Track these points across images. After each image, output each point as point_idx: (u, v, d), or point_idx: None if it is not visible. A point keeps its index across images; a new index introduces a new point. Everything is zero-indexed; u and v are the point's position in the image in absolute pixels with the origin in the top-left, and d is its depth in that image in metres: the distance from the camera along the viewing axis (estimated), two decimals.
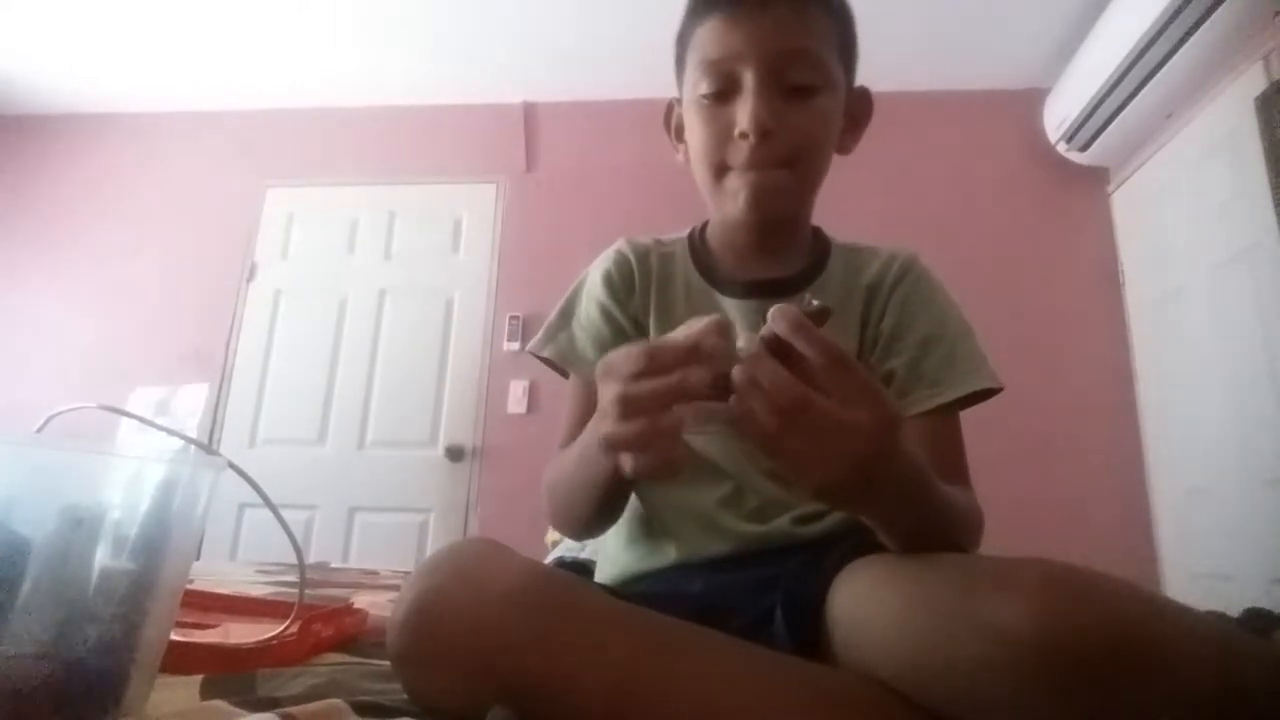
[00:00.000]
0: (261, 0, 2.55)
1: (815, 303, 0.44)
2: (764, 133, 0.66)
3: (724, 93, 0.68)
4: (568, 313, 0.80)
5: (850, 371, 0.43)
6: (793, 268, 0.77)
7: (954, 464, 0.68)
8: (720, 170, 0.70)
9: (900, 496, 0.50)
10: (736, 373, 0.43)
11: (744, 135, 0.66)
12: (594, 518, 0.68)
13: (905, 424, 0.47)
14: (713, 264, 0.79)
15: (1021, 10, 2.41)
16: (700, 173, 0.73)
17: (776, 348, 0.43)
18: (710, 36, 0.69)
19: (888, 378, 0.72)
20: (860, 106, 0.77)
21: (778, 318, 0.42)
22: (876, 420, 0.43)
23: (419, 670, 0.50)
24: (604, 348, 0.75)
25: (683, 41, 0.74)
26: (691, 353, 0.43)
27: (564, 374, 0.78)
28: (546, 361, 0.79)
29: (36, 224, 3.08)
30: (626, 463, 0.44)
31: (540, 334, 0.80)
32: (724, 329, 0.45)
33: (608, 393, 0.45)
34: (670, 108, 0.81)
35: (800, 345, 0.42)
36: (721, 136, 0.69)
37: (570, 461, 0.65)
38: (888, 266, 0.78)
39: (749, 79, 0.67)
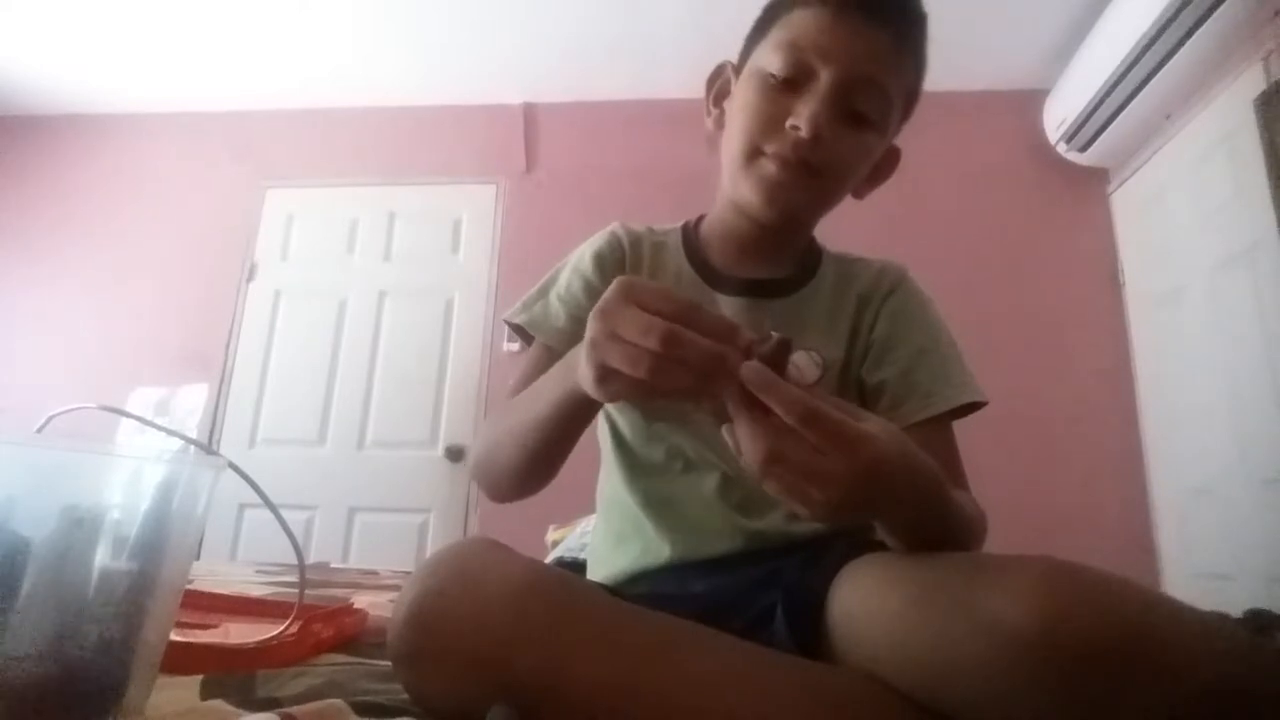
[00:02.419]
0: (261, 0, 2.55)
1: (775, 334, 0.44)
2: (815, 135, 0.65)
3: (792, 81, 0.67)
4: (547, 287, 0.80)
5: (821, 423, 0.42)
6: (785, 271, 0.78)
7: (951, 471, 0.68)
8: (754, 151, 0.69)
9: (900, 509, 0.50)
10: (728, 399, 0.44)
11: (795, 128, 0.66)
12: (534, 460, 0.65)
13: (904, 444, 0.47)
14: (707, 258, 0.79)
15: (1021, 10, 2.42)
16: (732, 146, 0.72)
17: (750, 399, 0.43)
18: (809, 23, 0.67)
19: (879, 388, 0.72)
20: (887, 161, 0.77)
21: (747, 374, 0.42)
22: (851, 468, 0.43)
23: (420, 670, 0.50)
24: (578, 320, 0.75)
25: (774, 12, 0.72)
26: (729, 338, 0.43)
27: (528, 342, 0.78)
28: (517, 330, 0.78)
29: (36, 224, 3.08)
30: (599, 381, 0.46)
31: (518, 304, 0.80)
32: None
33: (637, 315, 0.44)
34: (721, 69, 0.79)
35: (770, 403, 0.42)
36: (771, 120, 0.68)
37: (523, 400, 0.64)
38: (879, 278, 0.78)
39: (825, 81, 0.66)
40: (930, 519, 0.53)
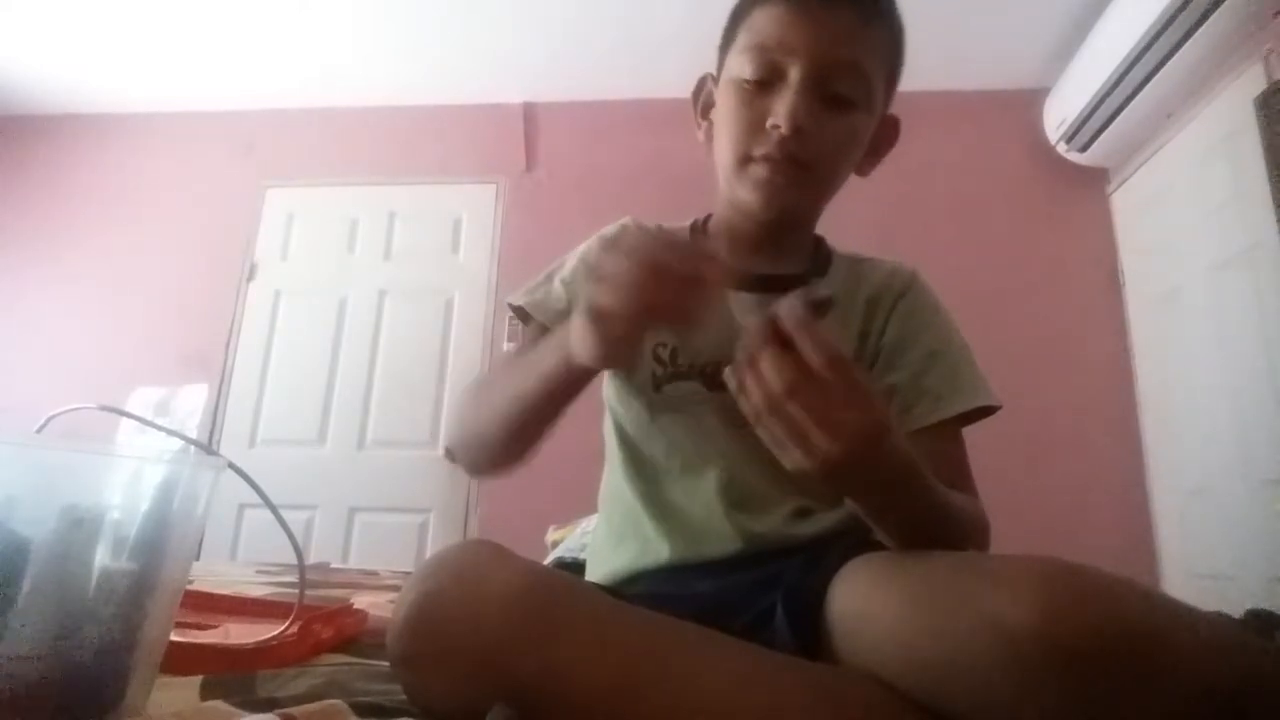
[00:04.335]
0: (261, 0, 2.55)
1: (823, 292, 0.46)
2: (796, 130, 0.65)
3: (765, 82, 0.68)
4: (552, 273, 0.81)
5: (845, 373, 0.44)
6: (795, 268, 0.78)
7: (959, 477, 0.68)
8: (744, 159, 0.70)
9: (887, 491, 0.52)
10: (740, 351, 0.46)
11: (776, 127, 0.66)
12: (516, 435, 0.67)
13: (899, 428, 0.49)
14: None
15: (1021, 10, 2.41)
16: (723, 155, 0.73)
17: (778, 336, 0.45)
18: (769, 22, 0.68)
19: (889, 392, 0.72)
20: (886, 133, 0.77)
21: (786, 312, 0.44)
22: (862, 424, 0.44)
23: (419, 673, 0.50)
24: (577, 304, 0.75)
25: (737, 18, 0.73)
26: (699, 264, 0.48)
27: (525, 323, 0.79)
28: (518, 312, 0.79)
29: (36, 224, 3.08)
30: (592, 340, 0.50)
31: (521, 289, 0.80)
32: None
33: (621, 260, 0.49)
34: (703, 82, 0.80)
35: (801, 342, 0.43)
36: (753, 125, 0.68)
37: (509, 372, 0.65)
38: (890, 280, 0.78)
39: (795, 75, 0.66)
40: (916, 505, 0.54)
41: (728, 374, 0.47)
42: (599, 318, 0.50)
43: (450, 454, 0.73)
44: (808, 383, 0.43)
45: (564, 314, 0.74)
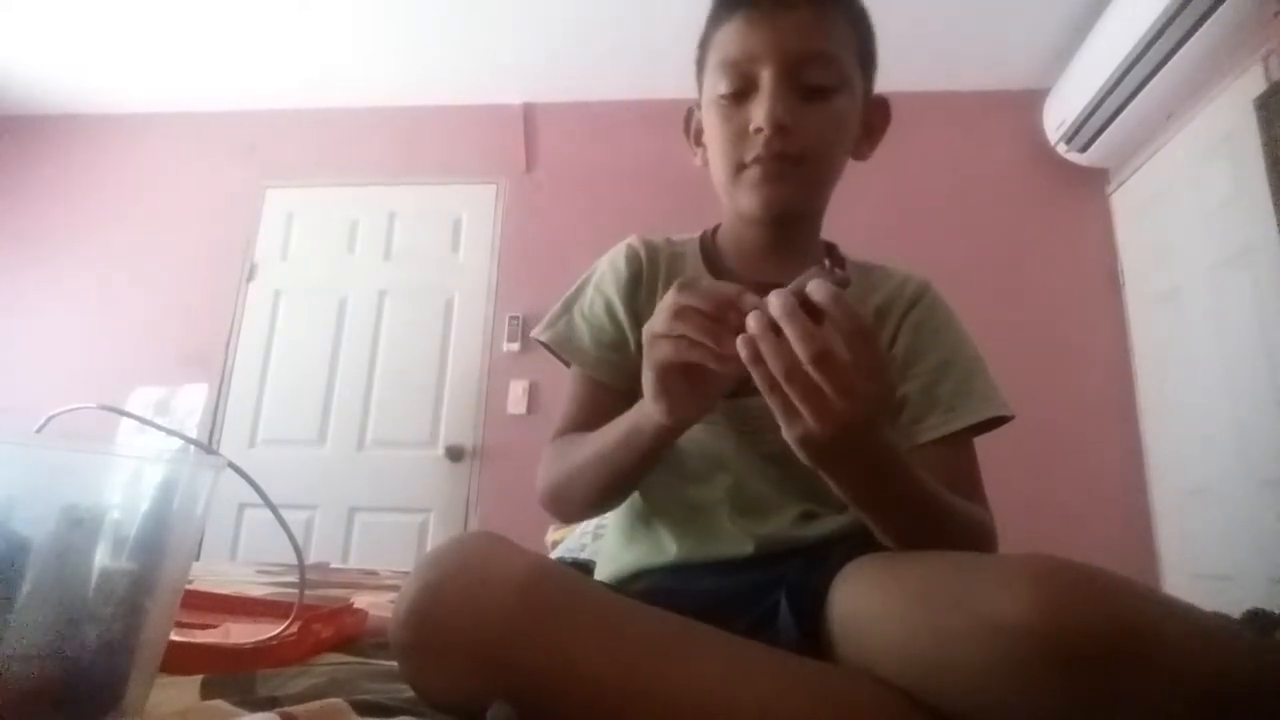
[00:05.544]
0: (261, 0, 2.55)
1: (838, 271, 0.48)
2: (779, 127, 0.67)
3: (742, 93, 0.70)
4: (571, 302, 0.81)
5: (870, 345, 0.45)
6: None
7: (970, 487, 0.68)
8: (737, 167, 0.71)
9: (877, 475, 0.53)
10: (753, 319, 0.47)
11: (759, 130, 0.68)
12: (608, 489, 0.69)
13: (911, 442, 0.49)
14: (724, 266, 0.79)
15: (1021, 10, 2.41)
16: (718, 171, 0.74)
17: (806, 307, 0.46)
18: (730, 37, 0.70)
19: (900, 402, 0.72)
20: (877, 115, 0.78)
21: (816, 287, 0.46)
22: (879, 395, 0.46)
23: (422, 662, 0.50)
24: (602, 341, 0.76)
25: (704, 45, 0.76)
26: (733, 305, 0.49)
27: (566, 363, 0.79)
28: (546, 347, 0.79)
29: (36, 224, 3.08)
30: (648, 349, 0.53)
31: (544, 320, 0.81)
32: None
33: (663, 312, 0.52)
34: (689, 113, 0.82)
35: (834, 312, 0.45)
36: (739, 134, 0.70)
37: (598, 435, 0.67)
38: (900, 290, 0.78)
39: (766, 78, 0.68)
40: (905, 490, 0.54)
41: (740, 342, 0.47)
42: (652, 343, 0.52)
43: (542, 503, 0.75)
44: (833, 351, 0.44)
45: (590, 354, 0.76)
